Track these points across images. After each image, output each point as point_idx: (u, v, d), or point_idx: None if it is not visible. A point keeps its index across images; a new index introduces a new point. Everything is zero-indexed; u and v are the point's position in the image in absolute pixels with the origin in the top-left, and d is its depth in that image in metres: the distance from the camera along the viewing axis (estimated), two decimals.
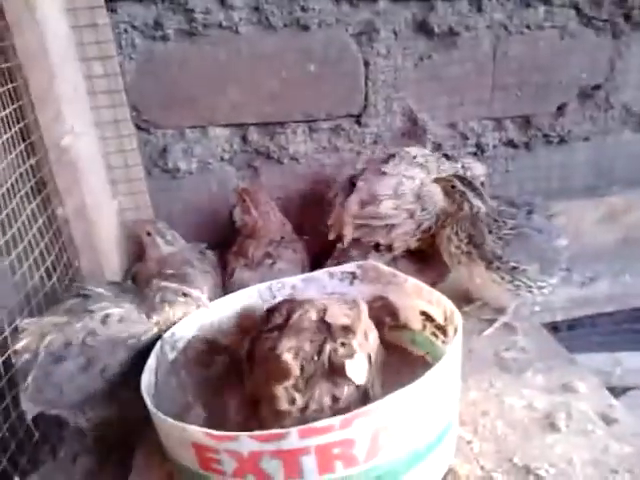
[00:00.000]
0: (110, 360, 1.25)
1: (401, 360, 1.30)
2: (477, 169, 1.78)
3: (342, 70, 1.88)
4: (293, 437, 0.86)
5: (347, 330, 1.09)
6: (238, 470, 0.91)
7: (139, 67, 1.78)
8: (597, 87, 2.05)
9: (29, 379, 1.20)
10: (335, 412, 1.01)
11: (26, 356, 1.23)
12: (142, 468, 1.20)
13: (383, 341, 1.23)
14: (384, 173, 1.66)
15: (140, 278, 1.64)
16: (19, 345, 1.25)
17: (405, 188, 1.64)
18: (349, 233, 1.68)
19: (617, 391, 1.64)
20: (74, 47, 1.59)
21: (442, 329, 1.24)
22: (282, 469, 0.89)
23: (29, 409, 1.23)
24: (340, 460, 0.89)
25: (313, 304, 1.17)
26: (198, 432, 0.91)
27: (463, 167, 1.70)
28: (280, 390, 1.04)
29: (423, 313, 1.31)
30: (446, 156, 1.75)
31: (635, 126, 2.16)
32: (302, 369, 1.04)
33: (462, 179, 1.49)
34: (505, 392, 1.32)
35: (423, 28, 1.87)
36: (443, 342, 1.23)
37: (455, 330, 1.12)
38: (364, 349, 1.08)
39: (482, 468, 1.10)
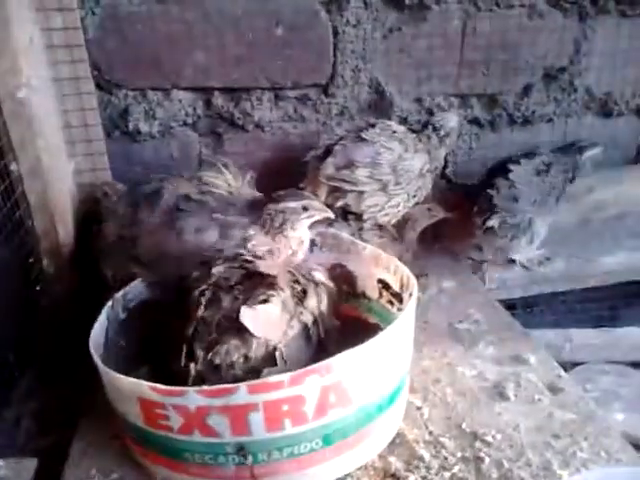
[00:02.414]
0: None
1: (356, 328, 1.29)
2: (450, 120, 1.79)
3: (310, 37, 1.84)
4: (242, 392, 0.86)
5: (270, 287, 1.07)
6: (185, 426, 0.91)
7: (102, 23, 1.72)
8: (562, 69, 2.05)
9: None
10: (247, 371, 1.00)
11: None
12: (87, 430, 1.19)
13: (339, 310, 1.24)
14: (363, 140, 1.66)
15: (101, 240, 1.58)
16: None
17: (382, 158, 1.65)
18: (322, 195, 1.66)
19: (567, 366, 1.68)
20: None
21: (398, 297, 1.25)
22: (229, 425, 0.89)
23: None
24: (289, 417, 0.89)
25: (239, 260, 1.16)
26: (144, 386, 0.90)
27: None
28: (187, 333, 1.07)
29: (380, 281, 1.31)
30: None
31: (597, 110, 2.19)
32: (219, 324, 1.05)
33: None
34: (457, 362, 1.35)
35: None
36: (399, 309, 1.24)
37: (410, 295, 1.13)
38: (288, 308, 1.06)
39: (430, 433, 1.12)
